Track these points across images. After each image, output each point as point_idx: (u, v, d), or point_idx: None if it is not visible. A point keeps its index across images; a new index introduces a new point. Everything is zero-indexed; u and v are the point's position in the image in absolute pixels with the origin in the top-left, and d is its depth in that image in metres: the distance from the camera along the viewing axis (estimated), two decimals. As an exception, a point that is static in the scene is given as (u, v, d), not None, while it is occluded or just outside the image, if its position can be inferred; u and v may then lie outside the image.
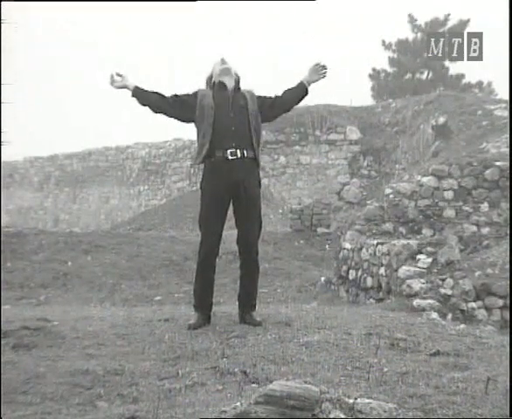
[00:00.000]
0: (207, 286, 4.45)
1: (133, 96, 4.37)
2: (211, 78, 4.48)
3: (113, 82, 4.34)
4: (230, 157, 4.27)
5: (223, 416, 2.34)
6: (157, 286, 10.26)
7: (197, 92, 4.44)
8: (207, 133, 4.31)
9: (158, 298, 9.38)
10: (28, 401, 2.93)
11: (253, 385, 3.04)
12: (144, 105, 4.41)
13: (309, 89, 4.48)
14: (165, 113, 4.45)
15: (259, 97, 4.49)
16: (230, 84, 4.39)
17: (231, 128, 4.28)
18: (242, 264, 4.48)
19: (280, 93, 4.52)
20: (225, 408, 2.38)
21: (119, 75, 4.35)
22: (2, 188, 25.51)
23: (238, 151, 4.28)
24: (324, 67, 4.41)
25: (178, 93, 4.46)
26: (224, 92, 4.38)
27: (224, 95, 4.37)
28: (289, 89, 4.51)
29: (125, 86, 4.37)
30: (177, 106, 4.42)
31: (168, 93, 4.45)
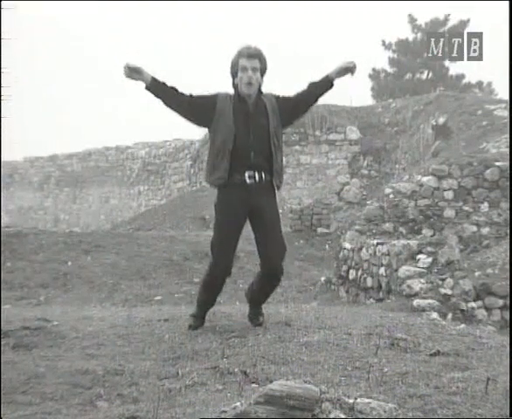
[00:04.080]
0: (213, 299, 4.42)
1: (146, 89, 4.14)
2: (235, 69, 4.19)
3: (128, 75, 4.09)
4: (248, 181, 4.14)
5: (223, 416, 2.34)
6: (157, 286, 10.26)
7: (216, 99, 4.21)
8: (225, 158, 4.12)
9: (158, 298, 9.38)
10: (28, 401, 2.93)
11: (253, 385, 3.04)
12: (158, 98, 4.21)
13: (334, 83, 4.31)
14: (178, 114, 4.27)
15: (281, 100, 4.29)
16: (251, 98, 4.19)
17: (250, 153, 4.13)
18: (263, 277, 4.33)
19: (301, 90, 4.31)
20: (225, 408, 2.38)
21: (133, 68, 4.07)
22: (2, 188, 25.53)
23: (256, 174, 4.15)
24: (355, 66, 4.26)
25: (195, 95, 4.24)
26: (245, 107, 4.18)
27: (245, 112, 4.17)
28: (314, 84, 4.30)
29: (140, 80, 4.12)
30: (193, 110, 4.23)
31: (185, 91, 4.22)
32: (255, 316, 4.38)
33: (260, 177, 4.16)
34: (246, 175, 4.14)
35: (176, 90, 4.19)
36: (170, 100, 4.19)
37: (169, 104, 4.21)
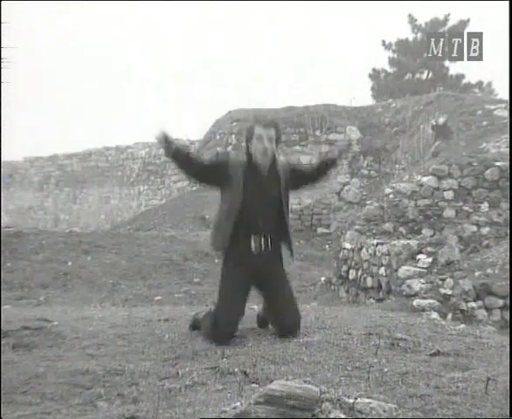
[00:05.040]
0: None
1: (166, 155, 4.21)
2: (250, 135, 4.23)
3: (159, 141, 4.14)
4: (253, 248, 4.14)
5: (223, 416, 2.34)
6: (157, 286, 10.26)
7: (227, 164, 4.22)
8: (229, 224, 4.13)
9: (158, 298, 9.37)
10: (28, 401, 2.93)
11: (253, 385, 3.04)
12: (174, 164, 4.31)
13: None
14: (188, 178, 4.45)
15: (295, 169, 4.38)
16: (264, 165, 4.20)
17: (257, 220, 4.14)
18: (277, 332, 4.18)
19: (315, 165, 4.50)
20: (225, 408, 2.38)
21: (166, 138, 4.12)
22: (2, 188, 25.53)
23: (262, 241, 4.16)
24: (351, 144, 4.48)
25: (207, 161, 4.33)
26: (256, 174, 4.18)
27: (256, 179, 4.17)
28: (325, 164, 4.48)
29: (166, 147, 4.18)
30: (205, 178, 4.33)
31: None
32: (265, 323, 4.36)
33: (266, 244, 4.18)
34: (252, 241, 4.15)
35: (192, 159, 4.26)
36: (185, 170, 4.29)
37: (185, 172, 4.32)
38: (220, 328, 3.95)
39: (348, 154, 5.11)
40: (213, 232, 4.30)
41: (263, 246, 4.17)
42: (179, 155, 4.19)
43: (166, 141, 4.12)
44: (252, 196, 4.13)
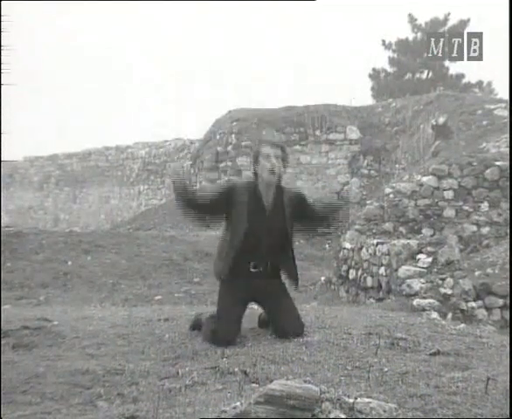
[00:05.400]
0: None
1: (175, 190, 4.22)
2: (256, 156, 4.24)
3: (173, 177, 4.18)
4: (253, 270, 4.17)
5: (223, 416, 2.34)
6: (157, 286, 10.26)
7: (232, 191, 4.23)
8: (231, 252, 4.14)
9: (158, 297, 9.37)
10: (28, 401, 2.93)
11: (253, 385, 3.04)
12: (177, 200, 4.31)
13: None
14: (193, 220, 4.46)
15: (302, 203, 4.34)
16: (271, 187, 4.20)
17: (260, 248, 4.14)
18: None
19: (322, 211, 4.45)
20: (225, 408, 2.38)
21: (182, 175, 4.18)
22: (2, 188, 25.52)
23: (261, 266, 4.19)
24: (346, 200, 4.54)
25: (212, 195, 4.32)
26: (261, 201, 4.20)
27: (260, 207, 4.18)
28: (325, 214, 4.46)
29: (175, 183, 4.24)
30: (207, 213, 4.38)
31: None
32: (265, 323, 4.35)
33: (265, 268, 4.19)
34: (252, 266, 4.17)
35: (197, 200, 4.25)
36: (187, 207, 4.28)
37: (184, 208, 4.30)
38: (219, 336, 3.92)
39: (345, 210, 5.22)
40: (215, 259, 4.33)
41: (262, 269, 4.19)
42: (185, 196, 4.19)
43: (179, 175, 4.12)
44: (256, 225, 4.12)
